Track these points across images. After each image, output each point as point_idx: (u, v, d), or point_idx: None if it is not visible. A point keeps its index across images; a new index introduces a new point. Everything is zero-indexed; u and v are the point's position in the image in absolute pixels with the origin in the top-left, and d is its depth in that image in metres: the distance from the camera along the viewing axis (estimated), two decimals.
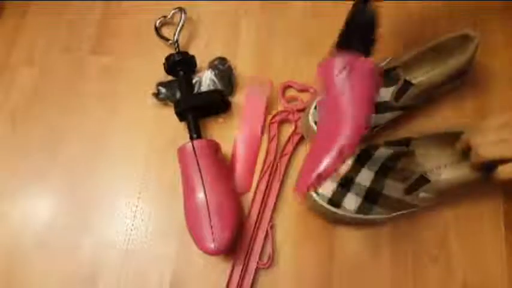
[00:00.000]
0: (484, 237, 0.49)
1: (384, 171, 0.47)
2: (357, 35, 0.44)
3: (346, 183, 0.48)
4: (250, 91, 0.57)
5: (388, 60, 0.52)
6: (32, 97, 0.61)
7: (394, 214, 0.48)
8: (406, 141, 0.48)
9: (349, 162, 0.48)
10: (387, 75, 0.50)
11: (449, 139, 0.47)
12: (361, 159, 0.48)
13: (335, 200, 0.47)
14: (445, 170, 0.48)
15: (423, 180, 0.46)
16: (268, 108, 0.57)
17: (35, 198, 0.56)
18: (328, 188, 0.48)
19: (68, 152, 0.57)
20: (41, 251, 0.53)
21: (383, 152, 0.47)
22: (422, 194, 0.46)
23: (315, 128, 0.50)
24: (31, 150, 0.58)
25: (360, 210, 0.47)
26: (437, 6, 0.61)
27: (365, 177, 0.47)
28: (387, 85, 0.50)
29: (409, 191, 0.47)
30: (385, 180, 0.47)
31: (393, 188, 0.47)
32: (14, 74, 0.63)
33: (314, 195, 0.48)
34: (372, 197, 0.47)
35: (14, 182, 0.57)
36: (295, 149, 0.54)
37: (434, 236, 0.50)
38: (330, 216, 0.48)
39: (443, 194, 0.47)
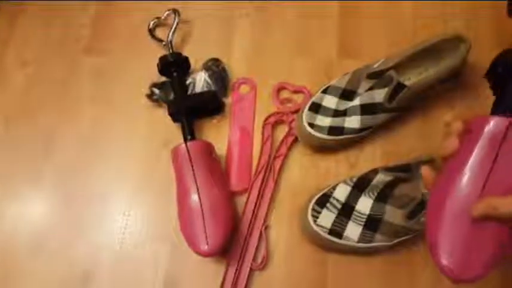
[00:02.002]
0: None
1: (383, 197, 0.47)
2: None
3: (345, 212, 0.47)
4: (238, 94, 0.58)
5: (380, 62, 0.52)
6: (26, 98, 0.61)
7: (396, 241, 0.47)
8: (405, 167, 0.48)
9: (348, 190, 0.48)
10: (380, 77, 0.50)
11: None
12: (360, 186, 0.48)
13: (336, 231, 0.47)
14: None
15: (424, 204, 0.45)
16: (256, 107, 0.57)
17: (28, 199, 0.55)
18: (328, 218, 0.47)
19: (61, 153, 0.57)
20: (34, 252, 0.53)
21: (382, 178, 0.47)
22: (423, 219, 0.45)
23: (309, 129, 0.50)
24: (24, 151, 0.58)
25: (361, 239, 0.47)
26: (429, 6, 0.61)
27: (364, 204, 0.47)
28: (380, 87, 0.50)
29: (410, 216, 0.46)
30: (385, 207, 0.46)
31: (394, 214, 0.46)
32: (8, 74, 0.62)
33: (314, 226, 0.47)
34: (372, 225, 0.46)
35: (6, 183, 0.56)
36: (289, 150, 0.54)
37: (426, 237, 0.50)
38: (331, 246, 0.48)
39: None
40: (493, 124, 0.33)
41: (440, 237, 0.33)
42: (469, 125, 0.35)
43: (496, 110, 0.37)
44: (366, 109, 0.50)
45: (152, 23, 0.61)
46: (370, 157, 0.54)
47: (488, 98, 0.39)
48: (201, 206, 0.47)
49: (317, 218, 0.47)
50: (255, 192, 0.52)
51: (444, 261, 0.32)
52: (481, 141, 0.33)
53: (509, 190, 0.32)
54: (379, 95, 0.50)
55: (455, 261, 0.32)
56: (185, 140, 0.53)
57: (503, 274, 0.48)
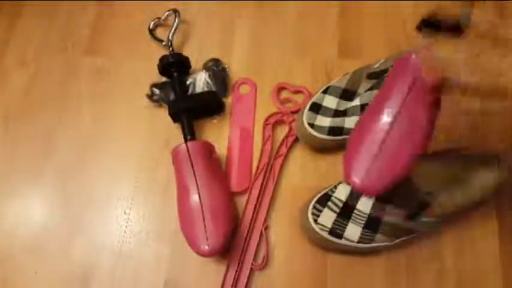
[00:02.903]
0: (478, 240, 0.50)
1: (383, 197, 0.46)
2: None
3: (346, 212, 0.47)
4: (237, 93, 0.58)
5: (381, 62, 0.52)
6: (25, 98, 0.61)
7: (397, 241, 0.47)
8: None
9: (348, 189, 0.48)
10: (380, 77, 0.50)
11: (449, 160, 0.47)
12: None
13: (336, 231, 0.47)
14: (446, 193, 0.47)
15: (424, 204, 0.45)
16: (256, 107, 0.57)
17: (27, 199, 0.55)
18: (328, 218, 0.47)
19: (61, 153, 0.57)
20: (33, 252, 0.53)
21: None
22: (424, 219, 0.45)
23: (309, 129, 0.50)
24: (24, 151, 0.58)
25: (361, 239, 0.47)
26: (429, 6, 0.61)
27: (365, 203, 0.47)
28: (381, 87, 0.50)
29: (411, 216, 0.46)
30: (385, 207, 0.46)
31: (394, 215, 0.46)
32: (8, 75, 0.62)
33: (314, 226, 0.47)
34: (372, 225, 0.46)
35: (6, 183, 0.56)
36: (289, 150, 0.54)
37: (428, 239, 0.50)
38: (331, 246, 0.48)
39: (445, 218, 0.47)
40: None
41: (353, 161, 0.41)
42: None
43: None
44: None
45: (152, 23, 0.61)
46: None
47: None
48: (201, 206, 0.47)
49: (317, 217, 0.47)
50: (255, 193, 0.52)
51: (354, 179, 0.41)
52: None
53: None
54: None
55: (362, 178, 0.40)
56: (185, 140, 0.53)
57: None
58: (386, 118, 0.41)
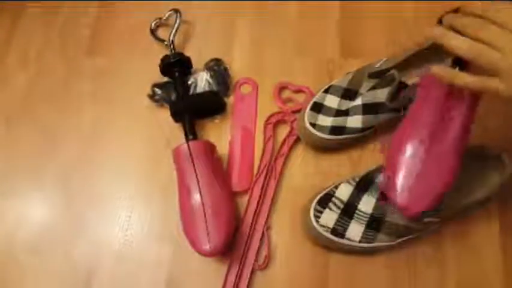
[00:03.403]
0: (479, 239, 0.50)
1: (385, 197, 0.46)
2: None
3: (348, 211, 0.47)
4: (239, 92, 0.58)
5: (382, 61, 0.52)
6: (27, 98, 0.61)
7: (399, 240, 0.47)
8: None
9: (350, 189, 0.48)
10: (382, 77, 0.50)
11: None
12: (362, 186, 0.48)
13: (338, 230, 0.47)
14: (449, 193, 0.47)
15: None
16: (258, 107, 0.57)
17: (28, 199, 0.55)
18: (330, 217, 0.47)
19: (62, 154, 0.57)
20: (34, 252, 0.52)
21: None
22: (426, 219, 0.45)
23: (311, 129, 0.50)
24: (25, 151, 0.58)
25: (363, 239, 0.46)
26: (431, 6, 0.61)
27: (367, 203, 0.47)
28: (382, 86, 0.50)
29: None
30: (388, 207, 0.46)
31: (396, 214, 0.46)
32: (9, 75, 0.62)
33: (316, 225, 0.47)
34: (374, 225, 0.46)
35: (7, 182, 0.56)
36: (291, 150, 0.54)
37: (430, 239, 0.49)
38: (333, 246, 0.48)
39: (448, 218, 0.46)
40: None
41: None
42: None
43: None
44: (368, 109, 0.50)
45: (154, 23, 0.61)
46: (373, 157, 0.53)
47: None
48: (203, 206, 0.47)
49: (319, 217, 0.47)
50: (256, 192, 0.52)
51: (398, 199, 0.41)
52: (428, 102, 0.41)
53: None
54: (382, 95, 0.50)
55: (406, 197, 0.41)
56: (187, 140, 0.53)
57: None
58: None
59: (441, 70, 0.36)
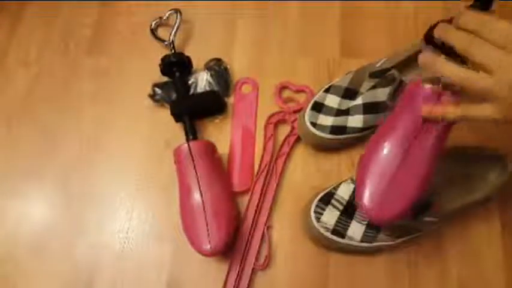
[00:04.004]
0: (479, 239, 0.50)
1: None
2: None
3: (349, 211, 0.47)
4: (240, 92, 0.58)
5: (383, 61, 0.52)
6: (27, 98, 0.61)
7: (399, 240, 0.47)
8: None
9: (351, 188, 0.48)
10: (383, 76, 0.50)
11: (452, 160, 0.47)
12: None
13: (339, 230, 0.47)
14: (449, 193, 0.47)
15: (428, 204, 0.45)
16: (258, 107, 0.57)
17: (30, 199, 0.55)
18: (331, 217, 0.47)
19: (63, 153, 0.57)
20: (35, 252, 0.52)
21: None
22: (427, 218, 0.45)
23: (311, 128, 0.50)
24: (26, 151, 0.58)
25: (364, 238, 0.46)
26: (431, 5, 0.61)
27: None
28: (383, 86, 0.50)
29: (414, 215, 0.45)
30: None
31: None
32: (10, 75, 0.62)
33: (317, 225, 0.47)
34: (375, 224, 0.46)
35: (8, 182, 0.56)
36: (291, 150, 0.54)
37: (429, 237, 0.49)
38: (334, 245, 0.48)
39: (448, 217, 0.46)
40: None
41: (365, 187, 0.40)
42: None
43: None
44: (369, 108, 0.50)
45: (154, 23, 0.61)
46: None
47: None
48: (203, 205, 0.47)
49: (320, 216, 0.47)
50: (257, 192, 0.52)
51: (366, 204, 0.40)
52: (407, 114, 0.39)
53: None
54: (382, 94, 0.50)
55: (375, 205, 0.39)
56: (187, 139, 0.53)
57: None
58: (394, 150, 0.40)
59: (427, 58, 0.35)
